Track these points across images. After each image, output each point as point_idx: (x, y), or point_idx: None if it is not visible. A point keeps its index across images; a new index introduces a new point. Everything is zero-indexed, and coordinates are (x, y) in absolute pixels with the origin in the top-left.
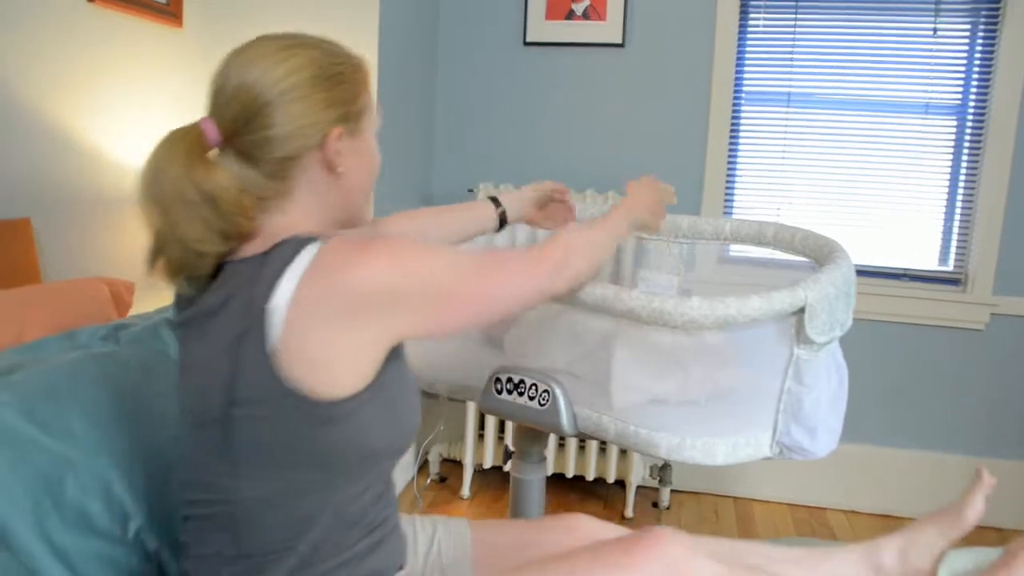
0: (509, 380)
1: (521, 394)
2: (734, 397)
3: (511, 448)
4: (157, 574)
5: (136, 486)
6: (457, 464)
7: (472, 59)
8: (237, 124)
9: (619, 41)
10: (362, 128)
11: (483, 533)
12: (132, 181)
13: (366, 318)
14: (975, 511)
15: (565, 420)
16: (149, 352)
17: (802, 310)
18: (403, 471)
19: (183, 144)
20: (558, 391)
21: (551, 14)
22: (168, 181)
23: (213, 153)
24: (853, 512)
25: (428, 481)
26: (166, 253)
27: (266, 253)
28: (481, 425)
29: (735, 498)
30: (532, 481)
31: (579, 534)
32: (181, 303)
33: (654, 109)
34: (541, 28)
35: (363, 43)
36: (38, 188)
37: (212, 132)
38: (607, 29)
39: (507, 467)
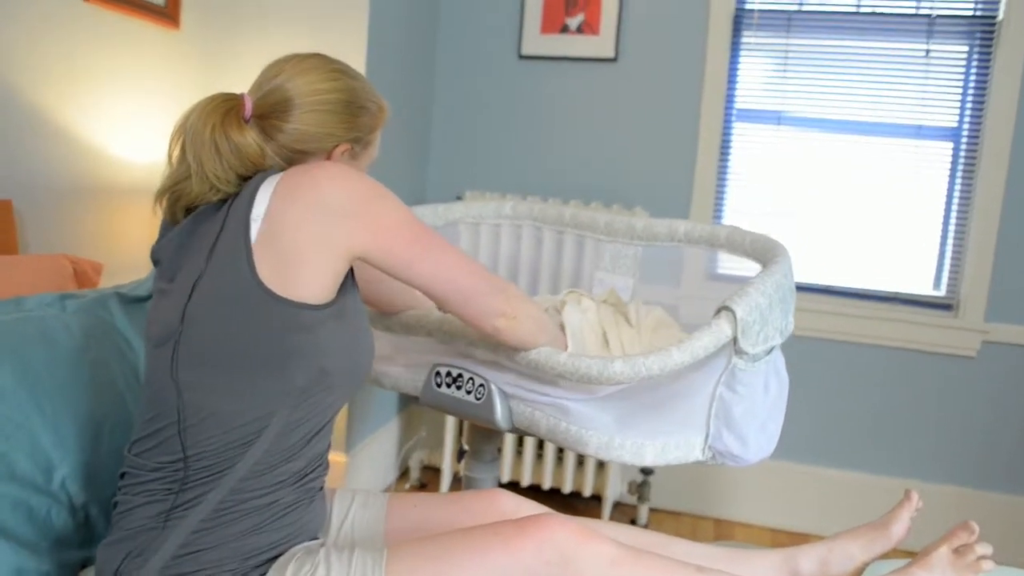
0: (448, 374)
1: (459, 388)
2: (667, 400)
3: (465, 447)
4: (82, 528)
5: (65, 441)
6: (437, 471)
7: (468, 70)
8: (273, 111)
9: (612, 56)
10: (363, 155)
11: (401, 507)
12: (122, 174)
13: (323, 216)
14: (900, 528)
15: (500, 414)
16: (93, 320)
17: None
18: (384, 476)
19: (225, 105)
20: (493, 386)
21: (546, 28)
22: (207, 129)
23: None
24: None
25: (407, 487)
26: (184, 187)
27: (240, 185)
28: (460, 433)
29: (716, 519)
30: (484, 480)
31: (498, 509)
32: (162, 233)
33: (645, 123)
34: (536, 42)
35: (351, 45)
36: (24, 173)
37: (248, 106)
38: (600, 44)
39: (460, 466)
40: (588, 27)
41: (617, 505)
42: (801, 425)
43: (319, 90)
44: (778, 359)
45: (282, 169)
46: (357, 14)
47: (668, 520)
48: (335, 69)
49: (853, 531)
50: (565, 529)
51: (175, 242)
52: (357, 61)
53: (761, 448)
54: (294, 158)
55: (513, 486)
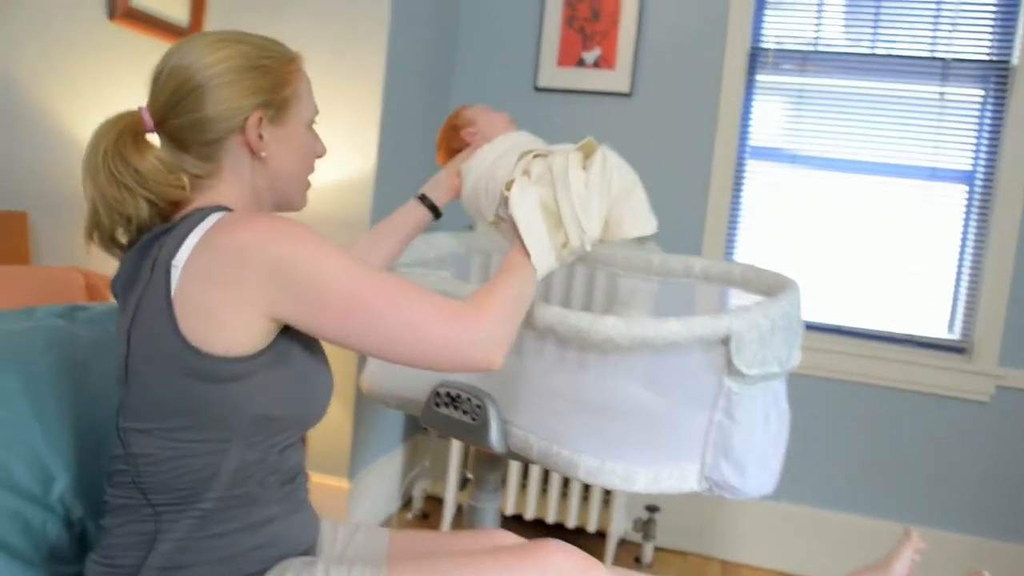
0: (447, 394)
1: (457, 408)
2: (660, 425)
3: (468, 475)
4: (77, 542)
5: (65, 453)
6: (440, 501)
7: (484, 101)
8: (167, 108)
9: (627, 91)
10: (288, 117)
11: (403, 539)
12: None
13: (241, 278)
14: (902, 567)
15: (494, 436)
16: (101, 333)
17: (728, 339)
18: (386, 505)
19: (119, 124)
20: (490, 407)
21: (562, 61)
22: (100, 154)
23: (152, 137)
24: None
25: (410, 516)
26: (99, 220)
27: (182, 218)
28: (465, 463)
29: (723, 561)
30: (486, 510)
31: (499, 545)
32: (117, 273)
33: (658, 159)
34: (552, 74)
35: (369, 73)
36: (41, 186)
37: (147, 118)
38: (616, 78)
39: (463, 496)
40: (604, 61)
41: (622, 542)
42: (811, 467)
43: (207, 64)
44: (779, 391)
45: (201, 175)
46: (375, 44)
47: (674, 560)
48: (217, 39)
49: (855, 573)
50: (566, 555)
51: (123, 276)
52: (375, 92)
53: (762, 483)
54: (213, 154)
55: (517, 519)
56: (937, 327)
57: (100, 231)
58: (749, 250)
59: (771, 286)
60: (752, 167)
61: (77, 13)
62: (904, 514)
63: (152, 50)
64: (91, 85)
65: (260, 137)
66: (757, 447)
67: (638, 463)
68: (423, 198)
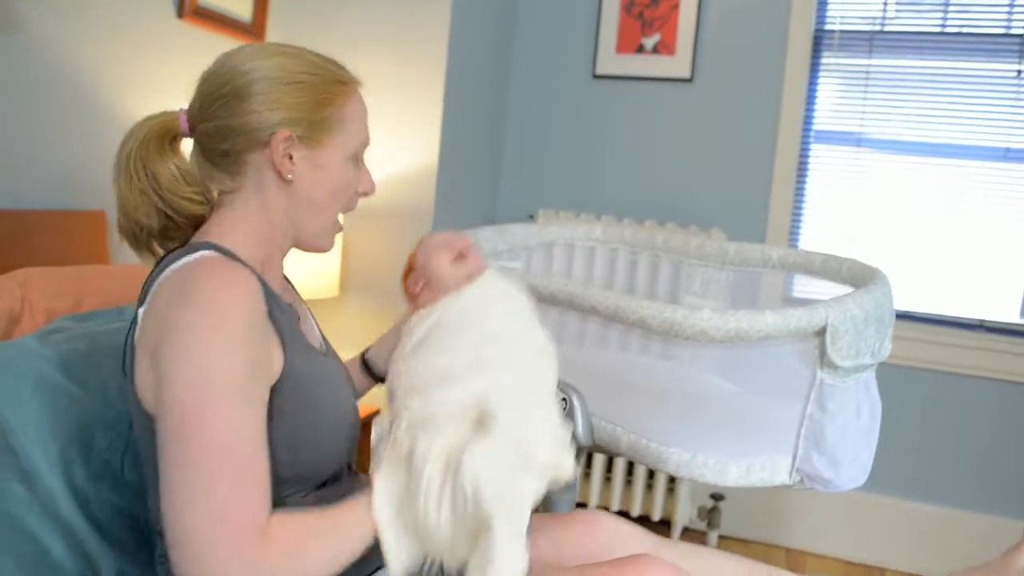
0: None
1: None
2: (751, 418)
3: None
4: None
5: None
6: None
7: (542, 89)
8: (200, 111)
9: (688, 76)
10: (325, 140)
11: None
12: None
13: (150, 343)
14: (1019, 570)
15: (581, 429)
16: None
17: (824, 331)
18: None
19: (148, 124)
20: (576, 400)
21: (621, 47)
22: (123, 153)
23: (188, 143)
24: (916, 575)
25: None
26: (119, 223)
27: (168, 254)
28: None
29: (787, 549)
30: (562, 501)
31: (600, 534)
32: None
33: (721, 144)
34: (611, 61)
35: (431, 65)
36: None
37: (183, 120)
38: (676, 64)
39: None
40: (664, 47)
41: (686, 531)
42: (881, 454)
43: (245, 71)
44: (871, 383)
45: (226, 191)
46: (437, 34)
47: (738, 548)
48: (262, 49)
49: (970, 571)
50: (662, 570)
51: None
52: (437, 82)
53: (854, 476)
54: (237, 168)
55: (580, 507)
56: (1010, 312)
57: (122, 233)
58: (814, 236)
59: (855, 275)
60: (817, 151)
61: (147, 12)
62: (977, 503)
63: (219, 48)
64: (162, 83)
65: (289, 158)
66: (850, 439)
67: (729, 455)
68: (365, 361)
